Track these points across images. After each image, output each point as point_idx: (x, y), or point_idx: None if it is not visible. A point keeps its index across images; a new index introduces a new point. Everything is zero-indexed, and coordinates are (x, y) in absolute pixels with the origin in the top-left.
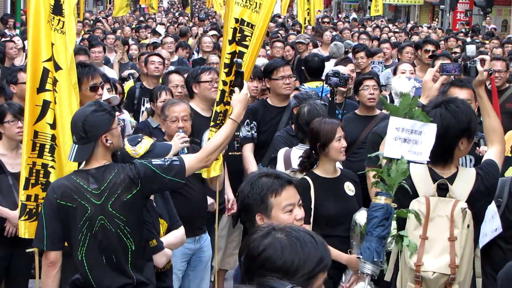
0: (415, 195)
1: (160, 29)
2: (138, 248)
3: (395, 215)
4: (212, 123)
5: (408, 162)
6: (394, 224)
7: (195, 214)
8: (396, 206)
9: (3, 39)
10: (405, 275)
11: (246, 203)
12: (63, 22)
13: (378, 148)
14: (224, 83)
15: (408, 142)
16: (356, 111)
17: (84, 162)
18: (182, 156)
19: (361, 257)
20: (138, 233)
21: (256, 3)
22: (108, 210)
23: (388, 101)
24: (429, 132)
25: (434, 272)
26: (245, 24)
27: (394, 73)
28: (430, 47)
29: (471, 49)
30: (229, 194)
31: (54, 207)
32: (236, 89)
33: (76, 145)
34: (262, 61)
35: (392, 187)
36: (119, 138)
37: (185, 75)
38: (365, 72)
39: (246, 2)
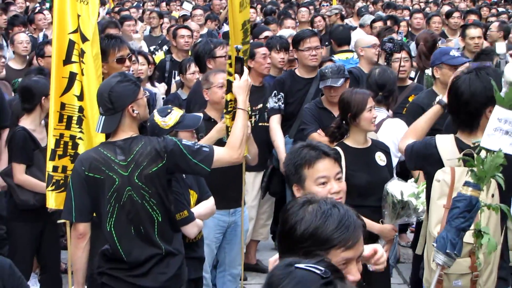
0: (441, 164)
1: (187, 5)
2: (164, 219)
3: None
4: (224, 110)
5: (505, 155)
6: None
7: (229, 185)
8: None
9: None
10: (430, 245)
11: (285, 174)
12: None
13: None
14: (229, 73)
15: (510, 135)
16: None
17: (111, 135)
18: (214, 146)
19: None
20: (163, 204)
21: None
22: (134, 181)
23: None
24: None
25: None
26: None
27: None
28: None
29: (501, 47)
30: None
31: (82, 179)
32: (237, 75)
33: (103, 117)
34: (289, 32)
35: (483, 180)
36: (145, 108)
37: None
38: None
39: None
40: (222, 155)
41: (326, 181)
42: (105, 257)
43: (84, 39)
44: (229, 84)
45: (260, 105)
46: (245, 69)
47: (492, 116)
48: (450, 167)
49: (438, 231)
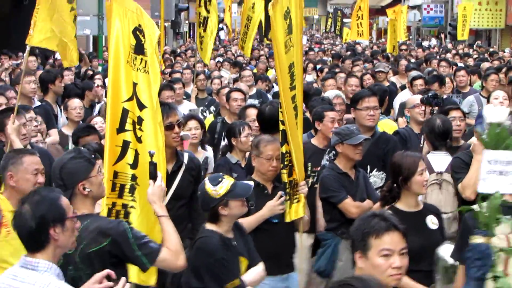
0: None
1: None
2: None
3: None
4: (281, 165)
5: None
6: None
7: (282, 250)
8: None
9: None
10: None
11: (351, 239)
12: (146, 61)
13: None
14: (283, 122)
15: (506, 175)
16: None
17: None
18: (163, 248)
19: None
20: None
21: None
22: (75, 259)
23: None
24: None
25: None
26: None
27: (488, 101)
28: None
29: None
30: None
31: None
32: (151, 181)
33: None
34: (334, 93)
35: (489, 225)
36: (99, 186)
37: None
38: None
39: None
40: (167, 258)
41: (390, 253)
42: None
43: (141, 106)
44: (283, 133)
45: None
46: (159, 174)
47: (483, 160)
48: (505, 234)
49: None
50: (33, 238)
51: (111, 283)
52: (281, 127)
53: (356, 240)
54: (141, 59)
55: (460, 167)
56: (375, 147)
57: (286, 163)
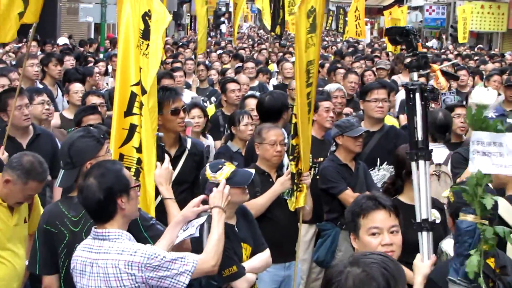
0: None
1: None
2: None
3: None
4: (290, 157)
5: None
6: None
7: (285, 239)
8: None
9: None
10: None
11: (345, 221)
12: (148, 44)
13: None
14: (295, 116)
15: (488, 155)
16: None
17: (73, 189)
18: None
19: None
20: None
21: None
22: (82, 237)
23: None
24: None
25: None
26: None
27: None
28: None
29: None
30: None
31: (41, 232)
32: (158, 163)
33: (63, 171)
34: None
35: (473, 203)
36: None
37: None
38: None
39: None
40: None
41: (379, 232)
42: None
43: (143, 91)
44: (295, 127)
45: (321, 159)
46: (166, 157)
47: (471, 141)
48: None
49: None
50: (102, 209)
51: (206, 206)
52: (294, 120)
53: (348, 222)
54: (147, 45)
55: (460, 162)
56: (385, 141)
57: (295, 155)
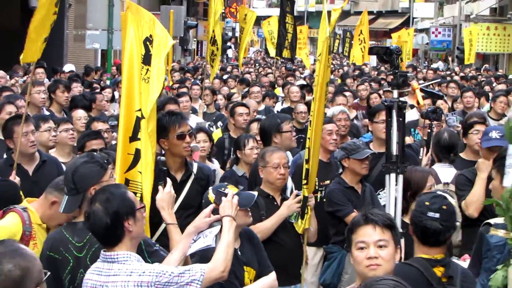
0: None
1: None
2: None
3: None
4: (304, 181)
5: None
6: None
7: (291, 262)
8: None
9: (96, 90)
10: None
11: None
12: (148, 69)
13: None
14: (309, 139)
15: None
16: (461, 154)
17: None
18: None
19: None
20: None
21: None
22: (86, 263)
23: None
24: None
25: None
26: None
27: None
28: None
29: None
30: None
31: (45, 259)
32: (160, 188)
33: (67, 196)
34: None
35: (506, 218)
36: None
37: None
38: None
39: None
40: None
41: (365, 246)
42: None
43: (143, 116)
44: (308, 151)
45: (328, 181)
46: (168, 181)
47: (507, 154)
48: None
49: None
50: (110, 234)
51: (218, 216)
52: (308, 144)
53: (347, 241)
54: (147, 70)
55: (464, 184)
56: None
57: (309, 178)
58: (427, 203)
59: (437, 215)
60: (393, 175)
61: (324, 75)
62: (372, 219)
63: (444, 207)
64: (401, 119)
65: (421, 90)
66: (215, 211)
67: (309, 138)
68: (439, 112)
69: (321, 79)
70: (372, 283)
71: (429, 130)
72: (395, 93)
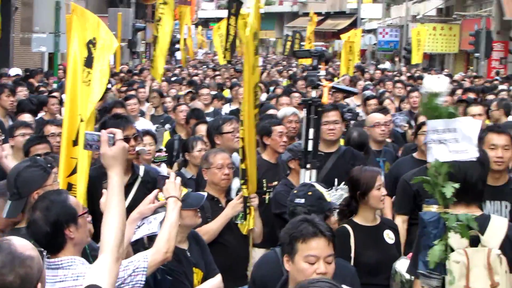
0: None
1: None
2: None
3: None
4: (242, 181)
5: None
6: None
7: (237, 263)
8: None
9: (44, 94)
10: None
11: (280, 242)
12: (89, 72)
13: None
14: (242, 139)
15: (444, 143)
16: (414, 154)
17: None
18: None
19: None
20: None
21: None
22: None
23: None
24: (465, 127)
25: None
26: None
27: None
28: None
29: None
30: None
31: None
32: (104, 191)
33: (10, 201)
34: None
35: (434, 193)
36: None
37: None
38: None
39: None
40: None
41: (315, 260)
42: None
43: (81, 119)
44: (243, 152)
45: (275, 183)
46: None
47: (427, 131)
48: (463, 249)
49: None
50: (51, 242)
51: (163, 201)
52: (241, 143)
53: (284, 243)
54: (88, 72)
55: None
56: (342, 162)
57: (246, 178)
58: (295, 191)
59: (302, 200)
60: (307, 171)
61: (251, 75)
62: (323, 231)
63: (310, 193)
64: (316, 116)
65: (333, 87)
66: None
67: (242, 138)
68: (354, 112)
69: (247, 78)
70: (307, 286)
71: (345, 129)
72: (313, 92)
